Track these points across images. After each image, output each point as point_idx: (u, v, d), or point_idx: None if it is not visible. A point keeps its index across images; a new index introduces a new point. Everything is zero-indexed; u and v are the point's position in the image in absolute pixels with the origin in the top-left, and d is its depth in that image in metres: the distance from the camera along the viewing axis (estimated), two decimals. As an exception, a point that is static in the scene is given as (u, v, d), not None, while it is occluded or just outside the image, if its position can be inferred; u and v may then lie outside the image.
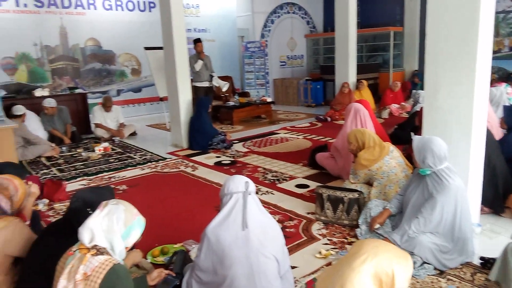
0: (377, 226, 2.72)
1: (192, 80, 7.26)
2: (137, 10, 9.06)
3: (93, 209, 1.77)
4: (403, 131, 5.04)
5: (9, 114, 5.52)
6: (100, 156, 5.55)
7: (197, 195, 3.93)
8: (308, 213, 3.36)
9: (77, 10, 8.23)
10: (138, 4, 9.05)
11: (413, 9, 9.87)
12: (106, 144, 5.90)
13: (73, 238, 1.69)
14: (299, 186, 4.08)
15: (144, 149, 5.93)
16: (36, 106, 6.46)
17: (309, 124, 7.51)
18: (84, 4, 8.30)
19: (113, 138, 6.71)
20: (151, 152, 5.73)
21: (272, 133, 6.85)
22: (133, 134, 7.03)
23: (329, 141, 5.75)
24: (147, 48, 7.64)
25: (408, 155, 3.27)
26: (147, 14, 9.22)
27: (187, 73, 5.89)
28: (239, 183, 1.97)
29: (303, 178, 4.34)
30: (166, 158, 5.38)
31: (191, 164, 5.07)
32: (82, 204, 2.00)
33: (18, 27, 7.54)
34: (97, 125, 6.74)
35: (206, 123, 5.80)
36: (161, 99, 7.68)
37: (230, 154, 5.43)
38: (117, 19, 8.75)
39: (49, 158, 5.56)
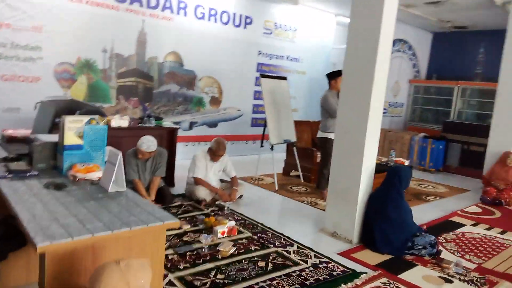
0: None
1: (319, 129, 5.17)
2: (232, 24, 7.04)
3: None
4: None
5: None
6: (233, 249, 3.27)
7: None
8: None
9: (164, 13, 6.16)
10: (233, 17, 7.03)
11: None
12: (232, 224, 3.60)
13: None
14: None
15: (284, 235, 3.66)
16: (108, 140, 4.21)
17: (480, 210, 5.32)
18: (174, 7, 6.24)
19: (218, 202, 4.45)
20: (308, 248, 3.45)
21: (455, 224, 4.65)
22: (239, 197, 4.80)
23: None
24: (263, 76, 5.52)
25: None
26: (241, 31, 7.19)
27: (379, 120, 3.70)
28: None
29: None
30: (360, 273, 3.07)
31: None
32: None
33: (87, 25, 5.42)
34: (198, 181, 4.46)
35: (407, 210, 3.58)
36: (271, 147, 5.49)
37: (456, 273, 3.18)
38: (207, 32, 6.69)
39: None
